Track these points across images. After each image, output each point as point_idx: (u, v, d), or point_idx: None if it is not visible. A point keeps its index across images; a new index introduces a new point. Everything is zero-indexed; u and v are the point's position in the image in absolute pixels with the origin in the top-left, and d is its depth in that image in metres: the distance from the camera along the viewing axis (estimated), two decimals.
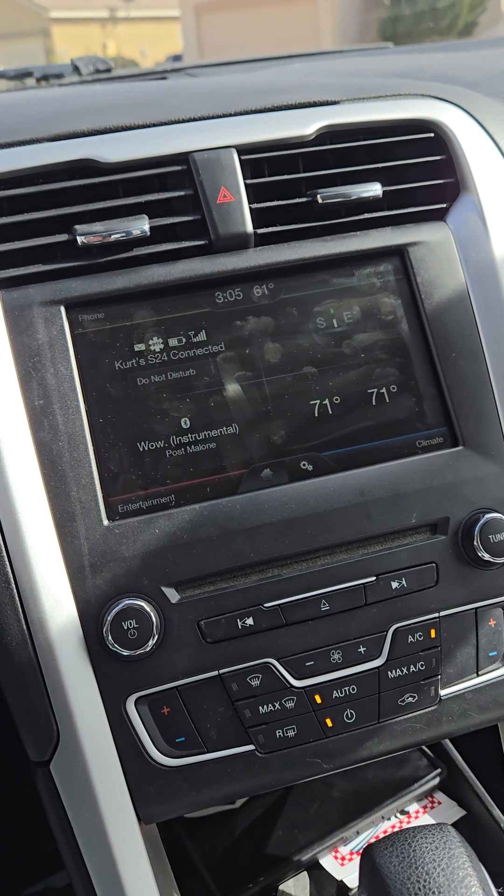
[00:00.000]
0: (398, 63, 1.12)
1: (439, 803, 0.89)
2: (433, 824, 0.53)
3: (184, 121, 0.73)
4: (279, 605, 0.63)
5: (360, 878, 0.54)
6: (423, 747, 0.92)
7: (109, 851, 0.61)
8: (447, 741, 0.91)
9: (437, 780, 0.89)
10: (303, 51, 1.37)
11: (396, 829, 0.63)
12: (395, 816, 0.88)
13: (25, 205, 0.68)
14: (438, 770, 0.89)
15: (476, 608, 0.67)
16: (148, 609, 0.60)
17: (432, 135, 0.76)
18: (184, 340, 0.67)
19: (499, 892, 0.53)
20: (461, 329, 0.71)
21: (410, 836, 0.52)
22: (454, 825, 0.64)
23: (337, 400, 0.68)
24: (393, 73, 1.01)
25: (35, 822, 1.14)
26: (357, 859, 0.83)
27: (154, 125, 0.73)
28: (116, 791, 0.61)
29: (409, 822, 0.87)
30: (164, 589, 0.62)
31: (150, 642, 0.60)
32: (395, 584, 0.65)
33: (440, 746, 0.92)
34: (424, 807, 0.89)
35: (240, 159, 0.70)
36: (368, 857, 0.53)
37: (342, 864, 0.83)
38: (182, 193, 0.69)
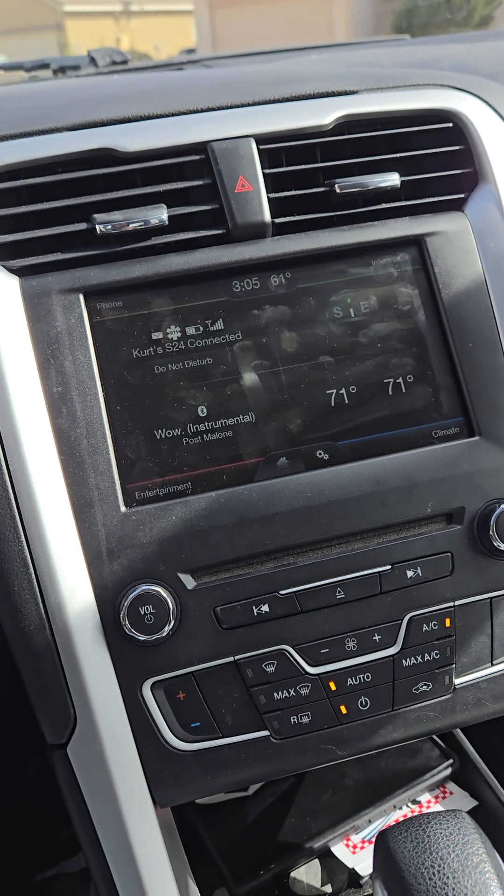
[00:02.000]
0: (415, 54, 1.11)
1: (451, 793, 0.89)
2: (448, 810, 0.54)
3: (202, 110, 0.74)
4: (294, 592, 0.63)
5: (375, 862, 0.54)
6: (436, 737, 0.92)
7: (125, 834, 0.62)
8: (459, 732, 0.91)
9: (449, 771, 0.89)
10: (320, 42, 1.37)
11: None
12: (407, 806, 0.88)
13: (45, 194, 0.68)
14: (450, 760, 0.90)
15: (491, 598, 0.67)
16: (164, 595, 0.60)
17: (451, 125, 0.76)
18: (201, 329, 0.67)
19: None
20: (478, 319, 0.71)
21: (425, 822, 0.53)
22: None
23: (353, 389, 0.68)
24: (410, 64, 1.01)
25: (48, 808, 1.15)
26: (369, 848, 0.83)
27: (172, 115, 0.73)
28: (132, 774, 0.62)
29: (420, 812, 0.87)
30: (180, 575, 0.62)
31: (167, 628, 0.60)
32: (410, 573, 0.65)
33: (452, 737, 0.92)
34: (436, 797, 0.89)
35: (258, 149, 0.70)
36: (383, 842, 0.53)
37: (354, 852, 0.83)
38: (200, 183, 0.70)
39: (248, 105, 0.74)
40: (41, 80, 1.41)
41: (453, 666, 0.66)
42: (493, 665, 0.67)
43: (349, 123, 0.74)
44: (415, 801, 0.88)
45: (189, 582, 0.62)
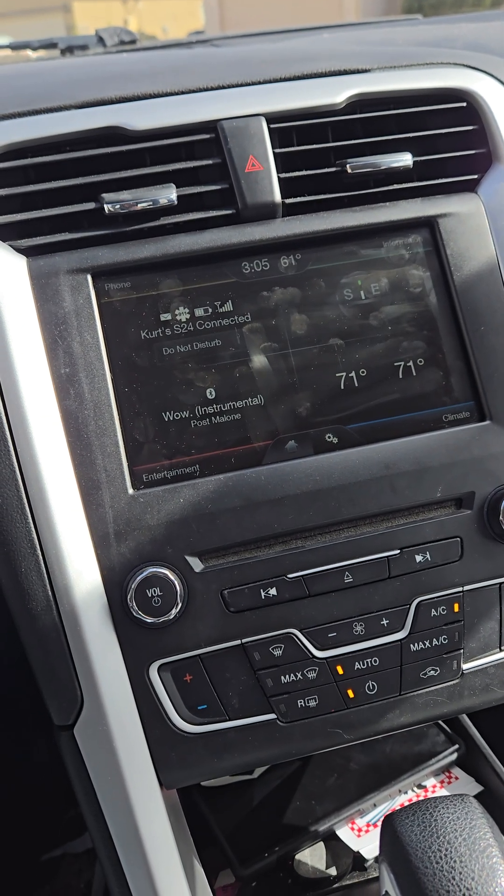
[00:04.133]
0: (428, 33, 1.10)
1: (456, 779, 0.89)
2: (455, 794, 0.54)
3: (212, 88, 0.73)
4: (302, 576, 0.63)
5: (381, 845, 0.54)
6: (441, 723, 0.92)
7: (132, 815, 0.62)
8: (465, 717, 0.91)
9: (454, 756, 0.89)
10: (331, 22, 1.35)
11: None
12: (413, 790, 0.88)
13: (52, 172, 0.67)
14: (456, 746, 0.90)
15: (500, 583, 0.67)
16: (172, 577, 0.60)
17: (464, 104, 0.75)
18: (210, 310, 0.66)
19: None
20: (491, 302, 0.70)
21: (432, 806, 0.52)
22: None
23: (363, 372, 0.68)
24: (423, 43, 0.99)
25: (54, 789, 1.16)
26: (374, 831, 0.84)
27: (182, 93, 0.72)
28: (139, 756, 0.62)
29: (426, 797, 0.87)
30: (187, 558, 0.62)
31: (174, 610, 0.60)
32: (419, 558, 0.64)
33: (458, 722, 0.92)
34: (442, 782, 0.89)
35: (269, 128, 0.69)
36: (390, 825, 0.53)
37: (359, 835, 0.83)
38: (210, 162, 0.69)
39: (259, 83, 0.73)
40: (49, 60, 1.40)
41: (461, 651, 0.65)
42: (501, 650, 0.67)
43: (361, 102, 0.73)
44: (420, 786, 0.89)
45: (196, 565, 0.62)
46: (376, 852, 0.81)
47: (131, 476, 0.63)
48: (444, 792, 0.88)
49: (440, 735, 0.91)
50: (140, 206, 0.66)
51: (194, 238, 0.67)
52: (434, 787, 0.89)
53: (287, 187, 0.69)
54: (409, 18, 1.45)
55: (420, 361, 0.69)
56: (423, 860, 0.49)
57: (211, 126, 0.69)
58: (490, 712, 0.84)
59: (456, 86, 0.75)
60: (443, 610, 0.65)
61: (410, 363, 0.68)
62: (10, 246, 0.65)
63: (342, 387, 0.67)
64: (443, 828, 0.50)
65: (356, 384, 0.67)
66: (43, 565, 0.61)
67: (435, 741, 0.90)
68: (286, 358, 0.67)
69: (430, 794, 0.87)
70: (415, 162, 0.72)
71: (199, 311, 0.66)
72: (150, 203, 0.66)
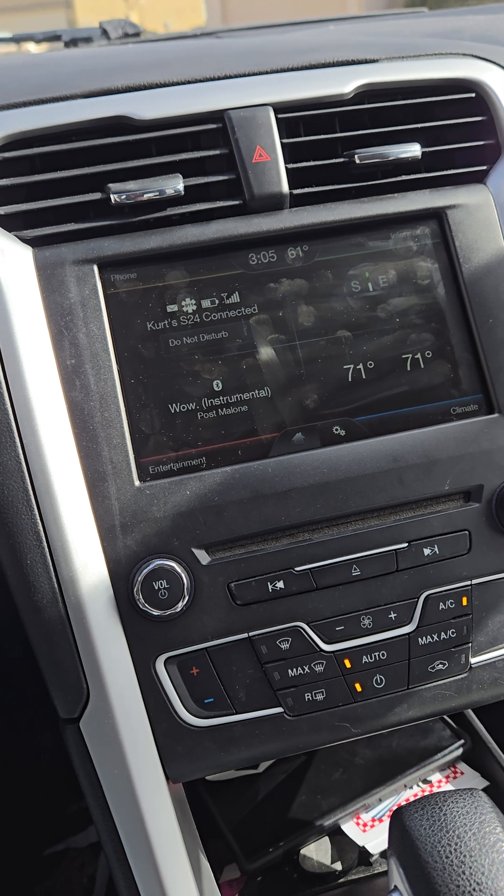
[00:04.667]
0: (435, 24, 1.09)
1: (462, 773, 0.89)
2: (464, 789, 0.53)
3: (219, 78, 0.72)
4: (310, 569, 0.63)
5: (390, 839, 0.54)
6: (447, 717, 0.92)
7: (138, 809, 0.62)
8: (471, 712, 0.91)
9: (460, 751, 0.89)
10: (336, 15, 1.34)
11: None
12: (418, 785, 0.88)
13: (58, 162, 0.67)
14: (462, 741, 0.89)
15: None
16: (178, 570, 0.60)
17: (473, 95, 0.74)
18: (216, 302, 0.66)
19: None
20: (499, 295, 0.69)
21: (441, 800, 0.52)
22: None
23: (371, 365, 0.67)
24: (431, 34, 0.99)
25: (58, 783, 1.15)
26: (379, 826, 0.83)
27: (189, 82, 0.72)
28: (145, 749, 0.61)
29: (431, 792, 0.87)
30: (194, 550, 0.61)
31: (181, 603, 0.60)
32: (427, 551, 0.64)
33: (464, 717, 0.91)
34: (447, 776, 0.89)
35: (276, 118, 0.69)
36: (398, 819, 0.53)
37: (364, 830, 0.83)
38: (217, 152, 0.68)
39: (266, 73, 0.73)
40: (53, 52, 1.39)
41: (469, 645, 0.65)
42: None
43: (369, 93, 0.73)
44: (426, 781, 0.88)
45: (203, 557, 0.62)
46: (382, 847, 0.81)
47: (137, 468, 0.62)
48: (449, 787, 0.87)
49: (446, 730, 0.91)
50: (146, 196, 0.65)
51: (201, 229, 0.66)
52: (440, 781, 0.88)
53: (294, 178, 0.69)
54: (415, 11, 1.45)
55: (428, 354, 0.68)
56: (433, 854, 0.49)
57: (218, 116, 0.68)
58: (496, 707, 0.83)
59: (465, 76, 0.74)
60: (451, 603, 0.64)
61: (418, 355, 0.68)
62: (15, 236, 0.65)
63: (350, 379, 0.67)
64: (452, 822, 0.50)
65: (364, 376, 0.67)
66: (49, 558, 0.61)
67: (440, 736, 0.90)
68: (293, 350, 0.66)
69: (435, 789, 0.87)
70: (423, 153, 0.71)
71: (205, 303, 0.66)
72: (157, 193, 0.65)
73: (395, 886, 0.51)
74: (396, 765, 0.87)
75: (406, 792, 0.87)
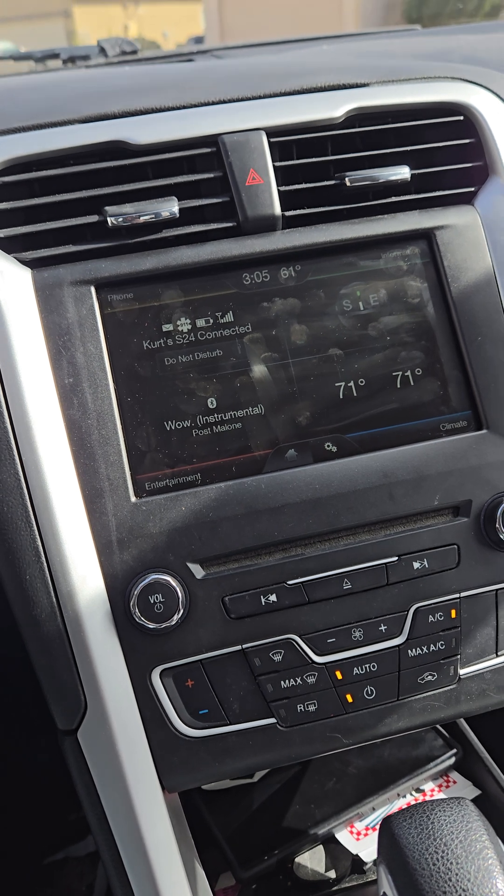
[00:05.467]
0: (426, 45, 1.11)
1: (454, 783, 0.90)
2: (451, 798, 0.54)
3: (213, 103, 0.74)
4: (302, 582, 0.64)
5: (379, 848, 0.55)
6: (440, 727, 0.93)
7: (134, 818, 0.63)
8: (463, 722, 0.92)
9: (452, 760, 0.90)
10: (330, 33, 1.37)
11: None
12: (411, 794, 0.89)
13: (56, 186, 0.69)
14: (454, 750, 0.90)
15: (496, 590, 0.68)
16: (174, 584, 0.61)
17: (461, 118, 0.76)
18: (211, 321, 0.68)
19: None
20: (487, 313, 0.71)
21: (429, 809, 0.53)
22: None
23: (362, 382, 0.69)
24: (422, 55, 1.01)
25: (56, 793, 1.16)
26: (373, 835, 0.85)
27: (183, 107, 0.73)
28: (141, 760, 0.63)
29: (424, 801, 0.88)
30: (189, 565, 0.63)
31: (176, 616, 0.61)
32: (416, 565, 0.66)
33: (456, 727, 0.93)
34: (440, 786, 0.90)
35: (269, 141, 0.70)
36: (388, 828, 0.54)
37: (358, 838, 0.84)
38: (211, 175, 0.70)
39: (259, 98, 0.75)
40: (51, 71, 1.41)
41: (458, 657, 0.66)
42: (497, 656, 0.68)
43: (360, 116, 0.75)
44: (418, 790, 0.89)
45: (198, 571, 0.63)
46: (375, 855, 0.82)
47: (134, 485, 0.64)
48: (441, 796, 0.88)
49: (438, 739, 0.92)
50: (143, 218, 0.67)
51: (196, 250, 0.68)
52: (432, 791, 0.89)
53: (287, 200, 0.71)
54: (408, 29, 1.47)
55: (418, 371, 0.70)
56: (420, 862, 0.50)
57: (212, 140, 0.70)
58: (488, 717, 0.85)
59: (453, 100, 0.76)
60: (440, 616, 0.66)
61: (408, 373, 0.70)
62: (15, 258, 0.67)
63: (341, 396, 0.68)
64: (439, 830, 0.51)
65: (355, 394, 0.68)
66: (47, 572, 0.62)
67: (433, 745, 0.91)
68: (286, 368, 0.68)
69: (428, 798, 0.88)
70: (412, 175, 0.73)
71: (200, 322, 0.67)
72: (153, 216, 0.67)
73: (385, 893, 0.53)
74: (389, 774, 0.89)
75: (399, 801, 0.88)
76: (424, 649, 0.65)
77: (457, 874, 0.48)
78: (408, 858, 0.50)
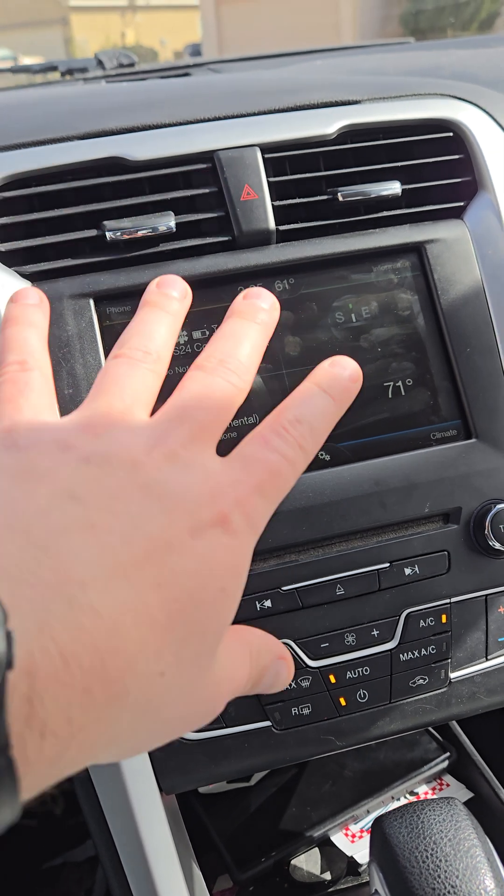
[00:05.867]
0: (419, 60, 1.13)
1: (448, 785, 0.92)
2: (441, 798, 0.56)
3: (209, 119, 0.76)
4: (296, 588, 0.65)
5: (371, 847, 0.57)
6: (433, 731, 0.94)
7: (133, 821, 0.64)
8: (456, 725, 0.94)
9: (446, 763, 0.91)
10: (325, 46, 1.39)
11: None
12: (405, 797, 0.90)
13: (55, 201, 0.70)
14: (448, 753, 0.92)
15: (486, 595, 0.69)
16: None
17: (451, 134, 0.78)
18: (207, 333, 0.69)
19: None
20: (476, 325, 0.73)
21: (419, 809, 0.55)
22: None
23: None
24: (413, 71, 1.03)
25: (55, 797, 1.17)
26: (367, 837, 0.86)
27: (180, 124, 0.75)
28: (139, 762, 0.64)
29: None
30: None
31: None
32: (408, 571, 0.67)
33: (450, 730, 0.94)
34: (433, 788, 0.91)
35: (263, 157, 0.72)
36: (379, 827, 0.55)
37: (353, 840, 0.86)
38: (206, 191, 0.72)
39: (254, 114, 0.76)
40: (49, 84, 1.43)
41: (449, 661, 0.68)
42: (487, 660, 0.69)
43: (352, 132, 0.76)
44: (412, 793, 0.91)
45: None
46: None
47: None
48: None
49: (432, 743, 0.94)
50: (140, 233, 0.69)
51: (192, 263, 0.70)
52: (426, 793, 0.91)
53: (281, 215, 0.72)
54: (401, 42, 1.49)
55: (409, 382, 0.71)
56: (411, 860, 0.51)
57: (208, 156, 0.72)
58: (480, 720, 0.86)
59: (442, 116, 0.78)
60: (431, 621, 0.67)
61: (399, 383, 0.71)
62: (15, 271, 0.68)
63: None
64: (429, 829, 0.53)
65: None
66: None
67: (427, 749, 0.93)
68: (280, 378, 0.70)
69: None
70: (403, 190, 0.75)
71: (196, 334, 0.69)
72: (150, 230, 0.69)
73: (376, 891, 0.54)
74: (384, 777, 0.90)
75: (393, 803, 0.89)
76: (416, 653, 0.67)
77: (446, 871, 0.50)
78: (398, 857, 0.52)
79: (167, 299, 0.57)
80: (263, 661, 0.53)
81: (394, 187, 0.74)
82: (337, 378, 0.55)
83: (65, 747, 0.32)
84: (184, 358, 0.68)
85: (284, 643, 0.65)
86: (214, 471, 0.46)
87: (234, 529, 0.44)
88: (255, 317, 0.57)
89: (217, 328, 0.69)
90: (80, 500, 0.39)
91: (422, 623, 0.67)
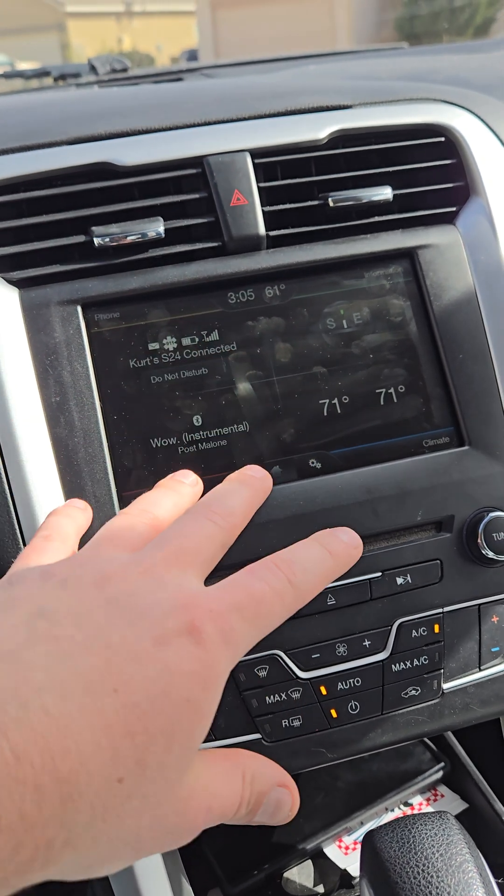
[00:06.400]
0: (412, 65, 1.13)
1: (442, 796, 0.91)
2: (433, 812, 0.55)
3: (199, 124, 0.75)
4: None
5: (362, 862, 0.56)
6: (428, 742, 0.93)
7: None
8: (451, 736, 0.93)
9: (440, 774, 0.90)
10: (319, 51, 1.39)
11: None
12: (399, 808, 0.89)
13: (44, 206, 0.70)
14: (442, 764, 0.91)
15: (479, 604, 0.68)
16: None
17: (443, 139, 0.77)
18: (197, 340, 0.69)
19: (498, 883, 0.55)
20: (469, 331, 0.72)
21: (410, 823, 0.54)
22: (456, 817, 0.65)
23: (346, 399, 0.70)
24: (406, 76, 1.03)
25: None
26: (360, 849, 0.85)
27: (169, 129, 0.75)
28: None
29: None
30: None
31: None
32: (400, 580, 0.66)
33: (444, 741, 0.93)
34: (428, 799, 0.90)
35: (253, 163, 0.72)
36: (370, 842, 0.54)
37: (346, 853, 0.85)
38: (196, 196, 0.71)
39: (244, 119, 0.76)
40: (42, 89, 1.43)
41: (441, 671, 0.67)
42: (480, 670, 0.68)
43: (343, 137, 0.76)
44: (406, 804, 0.90)
45: None
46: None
47: (119, 501, 0.64)
48: (429, 809, 0.89)
49: (426, 753, 0.93)
50: (129, 238, 0.68)
51: (181, 270, 0.69)
52: (420, 804, 0.90)
53: (271, 220, 0.72)
54: (395, 48, 1.49)
55: (401, 388, 0.71)
56: (402, 875, 0.50)
57: (197, 161, 0.71)
58: (474, 731, 0.85)
59: (434, 121, 0.78)
60: (423, 631, 0.66)
61: (391, 390, 0.71)
62: (2, 278, 0.67)
63: (325, 413, 0.69)
64: (420, 844, 0.52)
65: (339, 411, 0.69)
66: None
67: (421, 759, 0.92)
68: (271, 386, 0.69)
69: (415, 812, 0.89)
70: (395, 195, 0.74)
71: (185, 341, 0.68)
72: (139, 236, 0.68)
73: None
74: (378, 788, 0.89)
75: (387, 815, 0.88)
76: (408, 664, 0.66)
77: (437, 886, 0.49)
78: (389, 872, 0.51)
79: (178, 484, 0.63)
80: (260, 787, 0.52)
81: (385, 192, 0.74)
82: (335, 537, 0.58)
83: (19, 842, 0.33)
84: (173, 365, 0.68)
85: (274, 654, 0.64)
86: (190, 587, 0.48)
87: (204, 640, 0.44)
88: (246, 481, 0.62)
89: (206, 335, 0.69)
90: (48, 617, 0.42)
91: (414, 633, 0.66)
